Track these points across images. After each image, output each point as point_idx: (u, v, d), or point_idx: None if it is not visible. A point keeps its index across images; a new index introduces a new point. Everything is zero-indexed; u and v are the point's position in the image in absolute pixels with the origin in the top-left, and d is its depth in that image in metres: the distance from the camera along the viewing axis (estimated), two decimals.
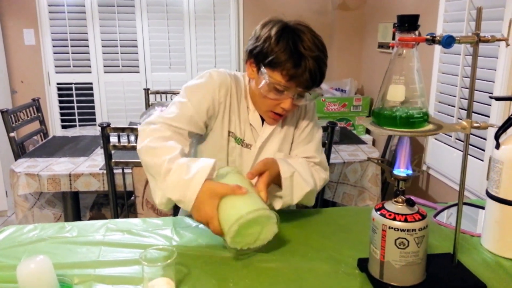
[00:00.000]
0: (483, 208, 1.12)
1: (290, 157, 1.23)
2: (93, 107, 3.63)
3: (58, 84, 3.57)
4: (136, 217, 1.93)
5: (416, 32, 0.80)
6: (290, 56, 1.05)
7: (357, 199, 2.23)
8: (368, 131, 3.39)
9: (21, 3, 3.40)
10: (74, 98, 3.61)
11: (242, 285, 0.84)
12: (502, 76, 1.84)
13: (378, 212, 0.85)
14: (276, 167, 1.09)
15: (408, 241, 0.81)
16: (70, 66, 3.55)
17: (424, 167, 2.59)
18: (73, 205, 2.18)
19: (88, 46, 3.51)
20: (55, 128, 3.58)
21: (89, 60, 3.54)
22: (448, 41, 0.77)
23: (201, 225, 1.14)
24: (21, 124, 2.56)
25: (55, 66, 3.53)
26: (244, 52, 1.15)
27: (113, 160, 1.84)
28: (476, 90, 1.99)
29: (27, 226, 1.14)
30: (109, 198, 1.94)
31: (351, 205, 2.20)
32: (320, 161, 1.25)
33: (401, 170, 0.85)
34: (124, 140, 1.91)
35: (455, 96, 2.21)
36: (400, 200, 0.85)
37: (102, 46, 3.52)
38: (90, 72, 3.56)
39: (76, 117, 3.64)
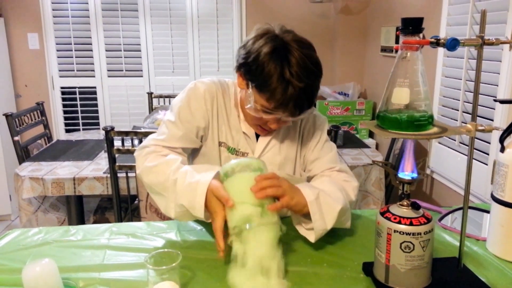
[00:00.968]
0: (488, 212, 1.12)
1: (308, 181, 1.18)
2: (96, 111, 3.64)
3: (62, 88, 3.58)
4: (139, 221, 1.93)
5: (421, 35, 0.80)
6: (277, 85, 0.99)
7: (360, 203, 2.22)
8: (371, 135, 3.39)
9: (26, 8, 3.42)
10: (78, 102, 3.62)
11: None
12: (506, 79, 1.84)
13: (383, 216, 0.85)
14: (298, 192, 0.99)
15: (413, 245, 0.81)
16: (74, 70, 3.56)
17: (428, 171, 2.58)
18: (77, 209, 2.19)
19: (91, 50, 3.52)
20: (59, 132, 3.59)
21: (93, 64, 3.55)
22: (452, 44, 0.77)
23: (204, 229, 1.15)
24: (25, 128, 2.57)
25: (59, 70, 3.55)
26: (235, 61, 1.10)
27: (117, 164, 1.84)
28: (480, 94, 1.99)
29: (31, 229, 1.14)
30: (113, 202, 1.94)
31: (355, 209, 2.20)
32: (341, 168, 1.17)
33: (406, 173, 0.85)
34: (128, 144, 1.91)
35: (458, 100, 2.21)
36: (405, 203, 0.85)
37: (106, 50, 3.53)
38: (94, 76, 3.58)
39: (80, 121, 3.65)
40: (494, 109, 1.93)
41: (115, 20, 3.49)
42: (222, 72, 3.67)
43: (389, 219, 0.83)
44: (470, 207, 1.27)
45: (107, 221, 2.38)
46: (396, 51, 0.83)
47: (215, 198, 0.93)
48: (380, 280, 0.86)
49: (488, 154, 1.97)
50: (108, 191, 2.02)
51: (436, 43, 0.79)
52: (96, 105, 3.63)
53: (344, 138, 2.59)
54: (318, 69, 1.06)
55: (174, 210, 1.00)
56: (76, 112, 3.64)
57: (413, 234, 0.81)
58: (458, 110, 2.21)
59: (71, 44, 3.50)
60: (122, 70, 3.59)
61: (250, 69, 1.03)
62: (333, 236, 1.09)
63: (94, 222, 2.35)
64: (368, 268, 0.91)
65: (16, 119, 2.47)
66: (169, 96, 3.24)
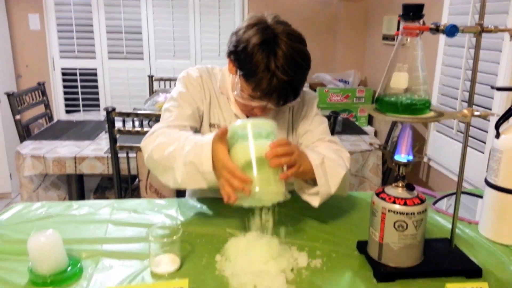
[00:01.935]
0: (481, 197, 1.15)
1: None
2: (97, 93, 3.65)
3: (62, 69, 3.59)
4: None
5: (421, 21, 0.82)
6: (262, 75, 1.02)
7: (357, 188, 2.26)
8: (370, 122, 3.41)
9: None
10: (79, 84, 3.62)
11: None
12: (506, 69, 1.86)
13: (379, 196, 0.87)
14: (305, 159, 1.00)
15: (406, 224, 0.84)
16: (74, 52, 3.56)
17: (425, 159, 2.61)
18: (78, 188, 2.21)
19: (92, 32, 3.52)
20: (59, 113, 3.60)
21: (94, 46, 3.55)
22: (451, 30, 0.78)
23: (204, 206, 1.17)
24: (27, 108, 2.58)
25: (60, 51, 3.55)
26: (227, 46, 1.12)
27: (118, 144, 1.86)
28: (479, 83, 2.00)
29: (34, 203, 1.17)
30: (113, 182, 1.96)
31: (351, 191, 2.23)
32: (331, 139, 1.20)
33: (402, 156, 0.88)
34: (129, 126, 1.93)
35: (458, 89, 2.22)
36: (400, 184, 0.87)
37: (107, 32, 3.52)
38: (95, 58, 3.57)
39: (80, 102, 3.66)
40: (492, 98, 1.95)
41: (116, 2, 3.47)
42: (223, 57, 3.63)
43: (384, 199, 0.86)
44: (464, 192, 1.30)
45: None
46: (397, 37, 0.84)
47: (218, 152, 0.92)
48: (373, 257, 0.89)
49: (485, 142, 2.00)
50: (108, 171, 2.04)
51: (436, 29, 0.81)
52: (96, 87, 3.63)
53: (343, 125, 2.61)
54: (306, 62, 1.07)
55: (181, 173, 0.98)
56: (77, 93, 3.64)
57: (407, 213, 0.83)
58: (457, 99, 2.23)
59: (72, 25, 3.50)
60: (123, 53, 3.59)
61: (239, 57, 1.06)
62: (328, 216, 1.12)
63: None
64: (362, 246, 0.94)
65: (17, 99, 2.48)
66: (169, 79, 3.25)
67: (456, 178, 2.29)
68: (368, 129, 3.24)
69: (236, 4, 3.58)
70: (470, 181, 2.07)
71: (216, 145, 0.94)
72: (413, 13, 0.81)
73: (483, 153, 2.01)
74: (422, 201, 0.85)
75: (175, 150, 1.00)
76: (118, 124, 1.87)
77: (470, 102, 0.86)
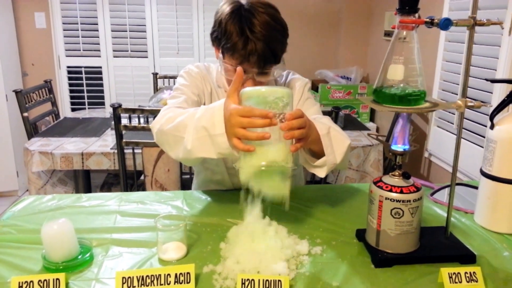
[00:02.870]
0: (477, 188, 1.17)
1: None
2: (102, 91, 3.69)
3: (68, 67, 3.63)
4: None
5: (416, 15, 0.85)
6: (238, 40, 1.07)
7: (359, 183, 2.29)
8: (372, 119, 3.44)
9: None
10: (84, 82, 3.67)
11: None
12: (504, 64, 1.88)
13: (376, 185, 0.91)
14: (313, 129, 1.00)
15: (403, 211, 0.87)
16: (80, 50, 3.60)
17: (426, 154, 2.64)
18: (85, 183, 2.26)
19: (97, 31, 3.56)
20: (65, 110, 3.65)
21: (99, 44, 3.59)
22: (445, 24, 0.82)
23: (209, 198, 1.21)
24: (34, 105, 2.62)
25: (66, 50, 3.59)
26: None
27: (124, 140, 1.90)
28: (478, 78, 2.03)
29: (45, 196, 1.21)
30: (119, 177, 2.01)
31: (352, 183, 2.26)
32: (327, 118, 1.20)
33: (399, 145, 0.91)
34: (135, 122, 1.97)
35: (458, 84, 2.25)
36: (397, 173, 0.91)
37: (112, 31, 3.56)
38: (100, 56, 3.62)
39: (86, 100, 3.70)
40: (491, 92, 1.97)
41: (121, 1, 3.51)
42: None
43: (381, 187, 0.89)
44: (461, 184, 1.33)
45: None
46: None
47: (227, 117, 0.90)
48: (371, 244, 0.93)
49: (484, 137, 2.02)
50: (115, 166, 2.09)
51: (431, 22, 0.84)
52: (101, 85, 3.68)
53: (345, 121, 2.64)
54: (278, 24, 1.12)
55: (192, 139, 0.95)
56: (82, 91, 3.69)
57: (403, 201, 0.87)
58: (457, 94, 2.26)
59: (77, 24, 3.54)
60: (128, 51, 3.63)
61: (217, 34, 1.13)
62: (329, 206, 1.16)
63: None
64: (360, 234, 0.98)
65: (25, 96, 2.53)
66: (174, 77, 3.28)
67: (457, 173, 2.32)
68: (370, 125, 3.26)
69: None
70: (470, 175, 2.10)
71: (227, 102, 0.93)
72: (408, 7, 0.84)
73: (482, 147, 2.03)
74: (418, 189, 0.89)
75: (186, 118, 0.99)
76: (124, 121, 1.92)
77: (464, 93, 0.89)
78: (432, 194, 1.26)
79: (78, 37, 3.57)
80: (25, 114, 2.41)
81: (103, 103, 3.69)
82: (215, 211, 1.12)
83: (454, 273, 0.82)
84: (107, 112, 2.94)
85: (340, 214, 1.12)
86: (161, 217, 0.93)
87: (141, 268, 0.87)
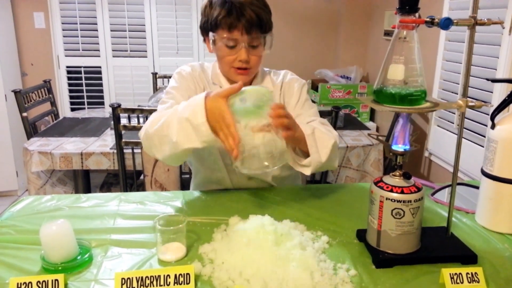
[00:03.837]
0: (478, 188, 1.17)
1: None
2: (101, 91, 3.68)
3: (67, 67, 3.63)
4: None
5: (416, 14, 0.84)
6: (222, 9, 1.14)
7: (359, 182, 2.28)
8: (372, 118, 3.43)
9: None
10: (83, 82, 3.67)
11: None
12: (505, 64, 1.88)
13: (377, 185, 0.90)
14: (298, 126, 1.07)
15: (404, 212, 0.87)
16: (79, 50, 3.60)
17: (426, 154, 2.63)
18: (84, 183, 2.26)
19: (97, 30, 3.55)
20: (64, 110, 3.64)
21: (98, 44, 3.58)
22: (446, 23, 0.81)
23: (208, 198, 1.21)
24: (33, 105, 2.62)
25: (65, 50, 3.59)
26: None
27: (123, 140, 1.90)
28: (479, 77, 2.03)
29: (44, 196, 1.21)
30: (119, 177, 2.00)
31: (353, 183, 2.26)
32: (322, 120, 1.25)
33: (399, 145, 0.90)
34: (134, 122, 1.97)
35: (458, 84, 2.25)
36: (398, 173, 0.90)
37: (111, 31, 3.56)
38: (99, 56, 3.61)
39: (85, 100, 3.70)
40: (492, 92, 1.97)
41: (120, 0, 3.50)
42: None
43: (382, 188, 0.89)
44: (462, 183, 1.33)
45: None
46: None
47: (217, 102, 0.97)
48: (372, 244, 0.92)
49: (484, 136, 2.02)
50: (114, 166, 2.08)
51: (431, 22, 0.84)
52: (101, 85, 3.67)
53: (344, 120, 2.64)
54: (260, 1, 1.18)
55: (176, 131, 1.01)
56: (81, 91, 3.68)
57: (404, 201, 0.86)
58: (457, 94, 2.26)
59: (76, 23, 3.53)
60: (127, 51, 3.63)
61: (206, 21, 1.20)
62: (329, 206, 1.16)
63: None
64: (361, 234, 0.97)
65: (24, 96, 2.52)
66: None
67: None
68: (370, 124, 3.26)
69: None
70: (470, 174, 2.09)
71: (215, 98, 0.98)
72: (409, 6, 0.84)
73: (483, 147, 2.03)
74: (419, 189, 0.88)
75: (169, 116, 1.04)
76: (123, 121, 1.91)
77: (464, 93, 0.89)
78: (433, 194, 1.25)
79: (78, 37, 3.56)
80: (24, 114, 2.41)
81: (102, 103, 3.68)
82: (215, 211, 1.12)
83: (455, 273, 0.81)
84: (107, 112, 2.93)
85: (340, 214, 1.11)
86: (161, 217, 0.92)
87: (140, 269, 0.87)
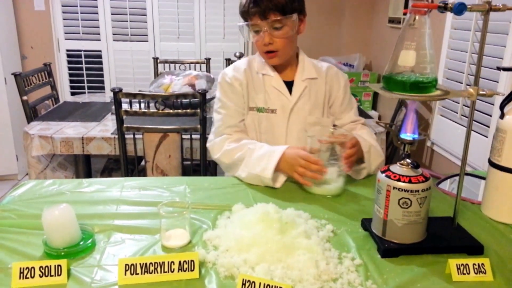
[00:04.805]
0: (484, 178, 1.16)
1: (354, 129, 1.40)
2: (102, 75, 3.65)
3: (67, 50, 3.59)
4: None
5: None
6: (245, 2, 1.26)
7: None
8: (374, 107, 3.41)
9: None
10: (84, 65, 3.63)
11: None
12: None
13: (384, 174, 0.89)
14: (359, 148, 1.23)
15: (411, 201, 0.86)
16: (79, 33, 3.55)
17: (428, 143, 2.62)
18: (85, 168, 2.24)
19: (97, 13, 3.51)
20: (64, 94, 3.61)
21: (98, 27, 3.54)
22: (460, 8, 0.79)
23: (212, 184, 1.20)
24: (33, 88, 2.59)
25: (65, 33, 3.54)
26: None
27: (124, 125, 1.88)
28: (485, 67, 2.00)
29: (46, 181, 1.19)
30: (120, 162, 1.99)
31: None
32: (364, 122, 1.44)
33: (408, 134, 0.89)
34: (135, 107, 1.95)
35: (463, 73, 2.22)
36: (405, 163, 0.89)
37: (112, 14, 3.51)
38: (99, 40, 3.57)
39: (85, 84, 3.67)
40: (498, 82, 1.95)
41: None
42: (228, 39, 3.66)
43: (389, 177, 0.88)
44: (468, 174, 1.32)
45: None
46: (405, 15, 0.85)
47: (290, 159, 1.17)
48: (378, 234, 0.91)
49: (488, 126, 2.01)
50: (115, 151, 2.07)
51: (444, 7, 0.82)
52: (101, 69, 3.64)
53: None
54: None
55: (246, 175, 1.20)
56: (82, 75, 3.65)
57: (411, 191, 0.85)
58: (462, 83, 2.23)
59: (76, 6, 3.48)
60: (128, 35, 3.58)
61: (240, 15, 1.30)
62: (335, 196, 1.14)
63: None
64: (366, 224, 0.96)
65: (24, 79, 2.49)
66: (174, 62, 3.25)
67: (459, 162, 2.31)
68: (372, 113, 3.24)
69: None
70: (473, 164, 2.08)
71: (293, 149, 1.19)
72: None
73: (486, 137, 2.01)
74: (427, 179, 0.87)
75: (243, 154, 1.23)
76: (125, 106, 1.89)
77: (476, 81, 0.87)
78: (438, 183, 1.24)
79: (78, 20, 3.52)
80: (25, 98, 2.38)
81: (103, 88, 3.65)
82: (219, 197, 1.11)
83: (462, 264, 0.81)
84: (107, 96, 2.91)
85: (345, 204, 1.10)
86: (164, 203, 0.91)
87: (144, 255, 0.86)
